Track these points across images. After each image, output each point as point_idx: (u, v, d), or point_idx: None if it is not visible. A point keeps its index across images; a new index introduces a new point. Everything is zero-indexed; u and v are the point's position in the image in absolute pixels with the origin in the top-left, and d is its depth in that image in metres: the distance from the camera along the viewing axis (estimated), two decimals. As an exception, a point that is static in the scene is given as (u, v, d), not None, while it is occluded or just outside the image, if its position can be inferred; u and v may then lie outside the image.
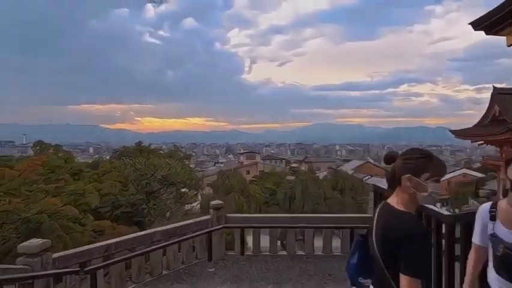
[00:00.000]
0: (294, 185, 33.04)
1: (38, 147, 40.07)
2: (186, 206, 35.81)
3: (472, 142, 25.78)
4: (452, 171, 61.05)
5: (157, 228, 5.64)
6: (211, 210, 6.44)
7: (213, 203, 6.49)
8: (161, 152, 36.53)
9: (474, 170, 66.33)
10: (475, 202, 32.22)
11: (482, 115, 19.80)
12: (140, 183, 21.53)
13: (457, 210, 42.03)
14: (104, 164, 23.61)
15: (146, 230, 17.10)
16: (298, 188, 31.40)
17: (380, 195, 6.06)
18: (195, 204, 38.25)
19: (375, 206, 6.16)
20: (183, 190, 24.62)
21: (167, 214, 22.89)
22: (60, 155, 37.63)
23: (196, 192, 46.33)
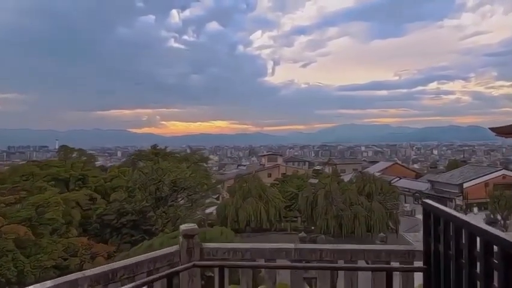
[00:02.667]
0: (317, 189, 30.71)
1: (62, 152, 40.24)
2: (201, 211, 34.14)
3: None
4: (490, 173, 56.32)
5: (84, 271, 3.75)
6: (180, 239, 4.51)
7: (183, 227, 4.55)
8: (177, 155, 35.29)
9: (513, 171, 61.03)
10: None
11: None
12: (148, 188, 20.12)
13: (498, 216, 38.17)
14: (113, 169, 22.42)
15: (150, 240, 15.50)
16: (321, 192, 29.03)
17: (434, 217, 3.74)
18: (212, 209, 36.67)
19: (428, 232, 3.60)
20: (195, 196, 23.03)
21: (178, 222, 21.33)
22: (84, 158, 37.34)
23: (214, 197, 44.80)
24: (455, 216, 3.50)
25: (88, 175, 19.99)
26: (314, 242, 17.24)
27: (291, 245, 4.42)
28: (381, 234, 17.35)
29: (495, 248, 2.80)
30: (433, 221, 3.86)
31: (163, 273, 3.95)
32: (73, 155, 37.32)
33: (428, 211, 3.98)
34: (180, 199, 21.76)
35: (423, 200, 4.01)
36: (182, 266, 4.11)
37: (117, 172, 21.38)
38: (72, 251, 9.70)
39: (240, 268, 4.47)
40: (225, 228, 12.59)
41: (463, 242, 3.23)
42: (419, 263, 4.39)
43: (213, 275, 4.49)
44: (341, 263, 4.25)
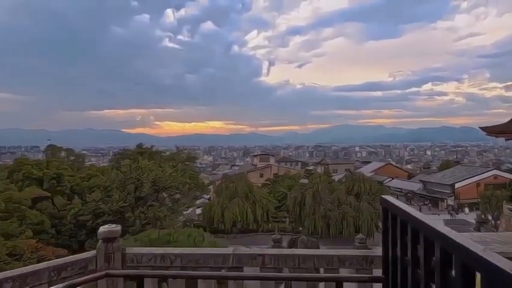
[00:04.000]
0: (305, 189, 30.03)
1: (49, 151, 39.12)
2: (191, 212, 33.22)
3: (506, 140, 22.96)
4: (482, 173, 56.20)
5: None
6: (99, 243, 3.78)
7: (103, 229, 3.83)
8: (162, 154, 34.42)
9: (505, 171, 60.93)
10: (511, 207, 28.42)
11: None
12: (126, 188, 19.29)
13: (489, 216, 37.85)
14: (91, 168, 21.53)
15: (132, 240, 14.67)
16: (309, 192, 28.36)
17: (392, 216, 2.95)
18: (198, 210, 35.70)
19: (387, 235, 2.76)
20: (178, 196, 22.20)
21: (158, 223, 20.53)
22: (72, 158, 36.18)
23: (206, 197, 43.72)
24: (411, 216, 2.76)
25: (64, 174, 19.10)
26: (294, 243, 16.54)
27: (229, 250, 3.72)
28: (360, 235, 16.57)
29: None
30: (391, 221, 3.16)
31: (61, 285, 3.19)
32: (61, 155, 36.31)
33: (385, 209, 3.27)
34: (163, 199, 20.94)
35: (381, 196, 3.33)
36: (91, 276, 3.37)
37: (95, 171, 20.49)
38: (18, 255, 8.91)
39: (166, 278, 3.76)
40: (195, 229, 11.86)
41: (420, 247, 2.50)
42: (379, 270, 3.68)
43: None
44: (286, 271, 3.57)
